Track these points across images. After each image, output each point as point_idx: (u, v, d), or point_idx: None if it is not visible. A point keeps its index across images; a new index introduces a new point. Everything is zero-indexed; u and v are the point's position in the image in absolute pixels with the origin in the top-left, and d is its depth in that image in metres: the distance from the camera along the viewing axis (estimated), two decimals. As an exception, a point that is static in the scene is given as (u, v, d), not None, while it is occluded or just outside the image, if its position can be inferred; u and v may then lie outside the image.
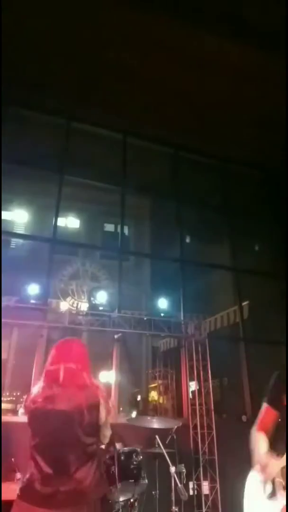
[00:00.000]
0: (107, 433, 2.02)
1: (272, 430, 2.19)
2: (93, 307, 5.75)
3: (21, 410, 2.07)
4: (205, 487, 4.66)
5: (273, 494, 1.98)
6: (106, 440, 2.05)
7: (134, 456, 3.15)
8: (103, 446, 2.93)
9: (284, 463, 2.00)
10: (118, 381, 5.43)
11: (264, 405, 2.27)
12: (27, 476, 1.80)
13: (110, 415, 2.02)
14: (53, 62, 5.76)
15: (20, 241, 8.65)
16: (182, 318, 5.88)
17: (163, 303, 7.44)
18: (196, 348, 5.32)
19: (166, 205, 7.75)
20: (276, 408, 2.21)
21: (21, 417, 4.97)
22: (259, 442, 2.17)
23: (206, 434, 4.88)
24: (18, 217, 8.80)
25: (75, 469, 1.77)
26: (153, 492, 3.36)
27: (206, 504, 4.59)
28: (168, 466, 3.39)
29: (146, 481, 3.12)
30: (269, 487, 2.00)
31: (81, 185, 7.22)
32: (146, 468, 3.22)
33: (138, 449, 3.22)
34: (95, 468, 1.83)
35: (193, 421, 4.95)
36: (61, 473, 1.76)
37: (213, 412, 5.04)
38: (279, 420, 2.18)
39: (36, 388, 1.98)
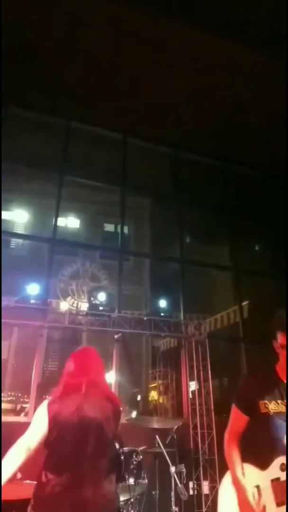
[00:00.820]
0: (123, 439, 2.10)
1: (241, 436, 1.98)
2: (93, 307, 5.75)
3: (40, 418, 1.93)
4: (205, 487, 4.66)
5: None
6: (126, 445, 2.18)
7: (134, 456, 3.15)
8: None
9: (272, 476, 1.75)
10: (118, 381, 5.43)
11: (233, 408, 2.06)
12: (47, 488, 1.71)
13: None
14: (53, 62, 5.76)
15: (20, 241, 8.65)
16: (182, 318, 5.88)
17: (163, 303, 7.43)
18: (196, 348, 5.32)
19: (166, 205, 7.76)
20: (246, 412, 1.96)
21: (21, 417, 4.97)
22: (233, 457, 1.95)
23: (206, 434, 4.89)
24: (18, 217, 8.80)
25: (101, 478, 1.77)
26: (153, 492, 3.35)
27: (206, 504, 4.59)
28: (168, 466, 3.39)
29: (146, 481, 3.11)
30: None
31: (81, 185, 7.22)
32: (146, 468, 3.21)
33: (138, 449, 3.22)
34: (113, 478, 1.85)
35: (193, 421, 4.95)
36: (87, 483, 1.73)
37: (213, 412, 5.04)
38: (253, 429, 1.92)
39: (53, 399, 1.92)
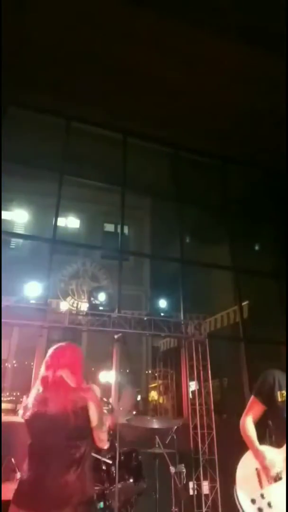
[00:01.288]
0: (102, 436, 2.01)
1: (257, 421, 2.41)
2: (93, 307, 5.74)
3: (20, 411, 2.06)
4: (205, 487, 4.66)
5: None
6: (103, 444, 2.05)
7: (134, 456, 3.16)
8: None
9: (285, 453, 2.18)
10: (118, 381, 5.43)
11: (251, 398, 2.49)
12: (19, 479, 1.88)
13: (104, 417, 2.03)
14: (53, 62, 5.76)
15: (20, 241, 8.66)
16: (182, 318, 5.88)
17: (163, 303, 7.44)
18: (196, 348, 5.31)
19: (166, 205, 7.76)
20: (264, 402, 2.39)
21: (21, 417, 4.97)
22: (249, 426, 2.39)
23: (206, 434, 4.88)
24: (18, 217, 8.81)
25: (64, 471, 1.80)
26: (153, 493, 3.35)
27: (206, 504, 4.59)
28: (168, 466, 3.39)
29: (146, 481, 3.12)
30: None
31: (81, 185, 7.22)
32: (146, 468, 3.22)
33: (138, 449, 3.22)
34: (81, 472, 1.83)
35: (193, 421, 4.94)
36: (47, 476, 1.79)
37: (213, 412, 5.04)
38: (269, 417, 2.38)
39: (32, 394, 2.04)
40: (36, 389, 2.04)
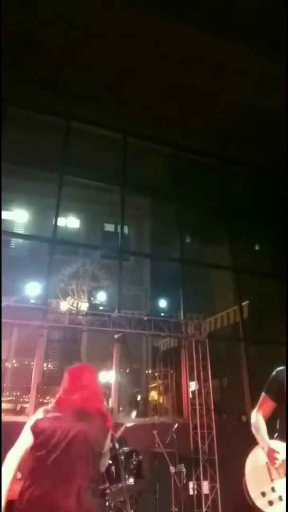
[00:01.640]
0: (105, 462, 2.05)
1: (268, 417, 2.50)
2: (93, 307, 5.75)
3: (31, 420, 2.01)
4: (205, 487, 4.66)
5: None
6: (103, 469, 2.08)
7: (134, 456, 3.16)
8: None
9: None
10: (118, 381, 5.43)
11: (262, 394, 2.57)
12: (25, 495, 1.78)
13: (108, 446, 2.05)
14: (53, 62, 5.77)
15: (20, 241, 8.66)
16: (182, 318, 5.88)
17: (163, 303, 7.43)
18: (196, 348, 5.31)
19: (166, 205, 7.75)
20: (274, 399, 2.48)
21: (21, 417, 4.97)
22: (259, 421, 2.48)
23: (206, 434, 4.88)
24: (18, 217, 8.81)
25: (70, 492, 1.78)
26: (153, 493, 3.35)
27: (206, 504, 4.59)
28: (168, 466, 3.39)
29: (146, 481, 3.12)
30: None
31: (81, 185, 7.22)
32: (146, 468, 3.22)
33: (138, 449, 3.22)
34: (88, 494, 1.83)
35: (193, 421, 4.94)
36: (56, 493, 1.76)
37: (213, 412, 5.04)
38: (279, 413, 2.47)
39: (45, 410, 1.98)
40: (53, 413, 1.97)
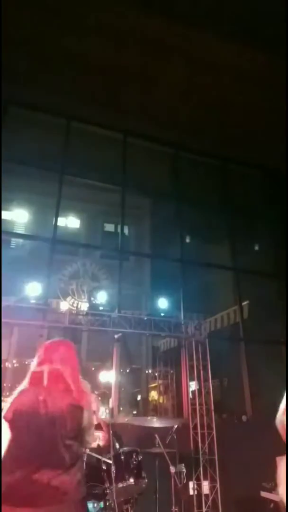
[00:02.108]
0: (89, 438, 2.03)
1: None
2: (93, 307, 5.75)
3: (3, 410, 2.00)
4: (205, 487, 4.66)
5: None
6: (89, 445, 2.09)
7: (134, 456, 3.16)
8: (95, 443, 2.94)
9: None
10: (118, 381, 5.43)
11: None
12: (8, 478, 1.79)
13: (92, 418, 2.03)
14: (53, 62, 5.76)
15: (20, 241, 8.66)
16: (182, 318, 5.88)
17: (163, 303, 7.43)
18: (196, 348, 5.31)
19: (166, 205, 7.76)
20: None
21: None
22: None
23: (206, 434, 4.88)
24: (18, 217, 8.81)
25: (58, 470, 1.80)
26: (153, 492, 3.35)
27: (206, 504, 4.59)
28: (168, 466, 3.39)
29: (146, 481, 3.12)
30: None
31: (81, 185, 7.22)
32: (146, 468, 3.22)
33: (138, 449, 3.22)
34: (77, 470, 1.86)
35: (193, 421, 4.94)
36: (44, 473, 1.78)
37: (213, 412, 5.04)
38: None
39: (20, 390, 1.97)
40: (26, 386, 1.97)
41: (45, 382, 1.94)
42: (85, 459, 2.80)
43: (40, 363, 2.03)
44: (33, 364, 2.06)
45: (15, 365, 7.66)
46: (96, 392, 3.63)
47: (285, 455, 2.19)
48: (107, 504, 2.95)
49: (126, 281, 6.17)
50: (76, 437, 1.91)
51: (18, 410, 1.88)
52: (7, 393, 7.06)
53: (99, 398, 3.58)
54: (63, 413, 1.88)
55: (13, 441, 1.86)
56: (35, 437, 1.84)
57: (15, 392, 1.96)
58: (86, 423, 1.95)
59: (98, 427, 3.47)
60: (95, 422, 2.12)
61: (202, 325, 5.50)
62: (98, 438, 3.33)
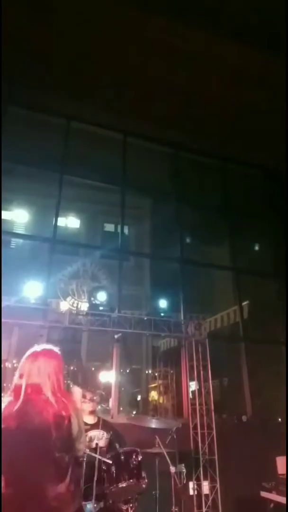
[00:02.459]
0: (79, 446, 2.00)
1: None
2: (93, 307, 5.74)
3: None
4: (205, 487, 4.66)
5: None
6: (80, 453, 2.07)
7: (134, 456, 3.15)
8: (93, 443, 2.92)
9: None
10: (118, 381, 5.43)
11: None
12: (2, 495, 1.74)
13: (82, 427, 2.01)
14: (54, 62, 5.76)
15: (20, 241, 8.65)
16: (182, 318, 5.88)
17: (163, 303, 7.43)
18: (196, 348, 5.31)
19: (166, 205, 7.75)
20: None
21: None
22: None
23: (206, 434, 4.88)
24: (18, 217, 8.80)
25: (48, 485, 1.76)
26: (153, 492, 3.35)
27: (206, 504, 4.59)
28: (168, 466, 3.39)
29: (146, 481, 3.12)
30: None
31: (81, 185, 7.21)
32: (146, 468, 3.22)
33: (138, 449, 3.22)
34: (69, 481, 1.82)
35: (193, 421, 4.94)
36: (34, 490, 1.74)
37: (213, 412, 5.04)
38: None
39: (4, 404, 1.92)
40: (8, 399, 1.92)
41: (22, 397, 1.89)
42: (85, 459, 2.80)
43: (20, 376, 1.99)
44: (15, 376, 2.01)
45: (15, 365, 7.65)
46: (92, 390, 3.62)
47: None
48: (107, 504, 2.95)
49: (126, 281, 6.17)
50: (66, 448, 1.87)
51: (9, 426, 1.82)
52: (7, 393, 7.07)
53: (95, 397, 3.58)
54: (46, 426, 1.83)
55: (4, 459, 1.78)
56: (21, 455, 1.79)
57: (2, 405, 1.91)
58: (75, 432, 1.92)
59: (96, 426, 3.47)
60: (93, 422, 2.11)
61: (202, 325, 5.50)
62: (96, 438, 3.33)
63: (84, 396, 3.25)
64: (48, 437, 1.82)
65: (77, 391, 2.05)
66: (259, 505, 4.09)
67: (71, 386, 2.05)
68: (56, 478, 1.79)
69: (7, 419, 1.83)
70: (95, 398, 3.56)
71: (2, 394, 2.78)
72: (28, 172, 6.78)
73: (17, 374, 2.02)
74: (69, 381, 2.10)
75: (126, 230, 8.24)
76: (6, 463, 1.76)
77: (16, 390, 1.95)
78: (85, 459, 2.79)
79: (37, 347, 2.12)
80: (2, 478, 1.74)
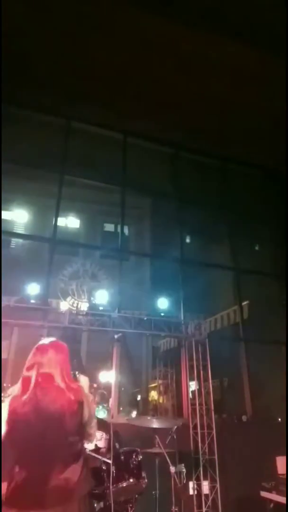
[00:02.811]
0: (91, 430, 2.06)
1: None
2: (93, 307, 5.75)
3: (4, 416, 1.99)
4: (205, 487, 4.66)
5: None
6: (92, 438, 2.10)
7: (134, 456, 3.16)
8: (93, 444, 2.96)
9: None
10: (118, 381, 5.43)
11: None
12: (12, 484, 1.81)
13: (93, 412, 2.07)
14: (53, 62, 5.76)
15: (20, 241, 8.65)
16: (182, 318, 5.88)
17: (163, 303, 7.43)
18: (196, 348, 5.31)
19: (166, 205, 7.75)
20: None
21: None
22: None
23: (206, 434, 4.88)
24: (18, 217, 8.80)
25: (63, 468, 1.83)
26: (153, 492, 3.35)
27: (206, 504, 4.59)
28: (168, 466, 3.39)
29: (146, 481, 3.12)
30: None
31: (81, 185, 7.21)
32: (146, 468, 3.22)
33: (138, 449, 3.22)
34: (81, 466, 1.91)
35: (193, 421, 4.94)
36: (49, 474, 1.81)
37: (213, 412, 5.04)
38: None
39: (13, 396, 1.96)
40: (18, 391, 1.96)
41: (32, 386, 1.94)
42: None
43: (28, 368, 2.04)
44: (24, 368, 2.06)
45: (15, 365, 7.65)
46: (95, 385, 3.64)
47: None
48: (107, 504, 2.95)
49: (126, 281, 6.17)
50: (78, 433, 1.95)
51: (14, 419, 1.88)
52: (7, 393, 7.07)
53: (97, 392, 3.59)
54: (61, 412, 1.90)
55: (14, 447, 1.87)
56: (36, 441, 1.85)
57: (7, 400, 1.96)
58: (86, 417, 1.99)
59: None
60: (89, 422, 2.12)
61: (202, 325, 5.50)
62: (96, 439, 3.33)
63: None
64: (62, 422, 1.89)
65: (84, 379, 2.09)
66: (259, 505, 4.09)
67: (78, 375, 2.09)
68: (70, 461, 1.86)
69: (17, 410, 1.88)
70: (95, 399, 3.57)
71: (2, 394, 2.80)
72: (28, 172, 6.78)
73: (25, 365, 2.06)
74: (76, 372, 2.15)
75: (126, 230, 8.25)
76: (20, 452, 1.85)
77: (24, 382, 1.99)
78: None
79: (45, 340, 2.19)
80: (15, 466, 1.82)
